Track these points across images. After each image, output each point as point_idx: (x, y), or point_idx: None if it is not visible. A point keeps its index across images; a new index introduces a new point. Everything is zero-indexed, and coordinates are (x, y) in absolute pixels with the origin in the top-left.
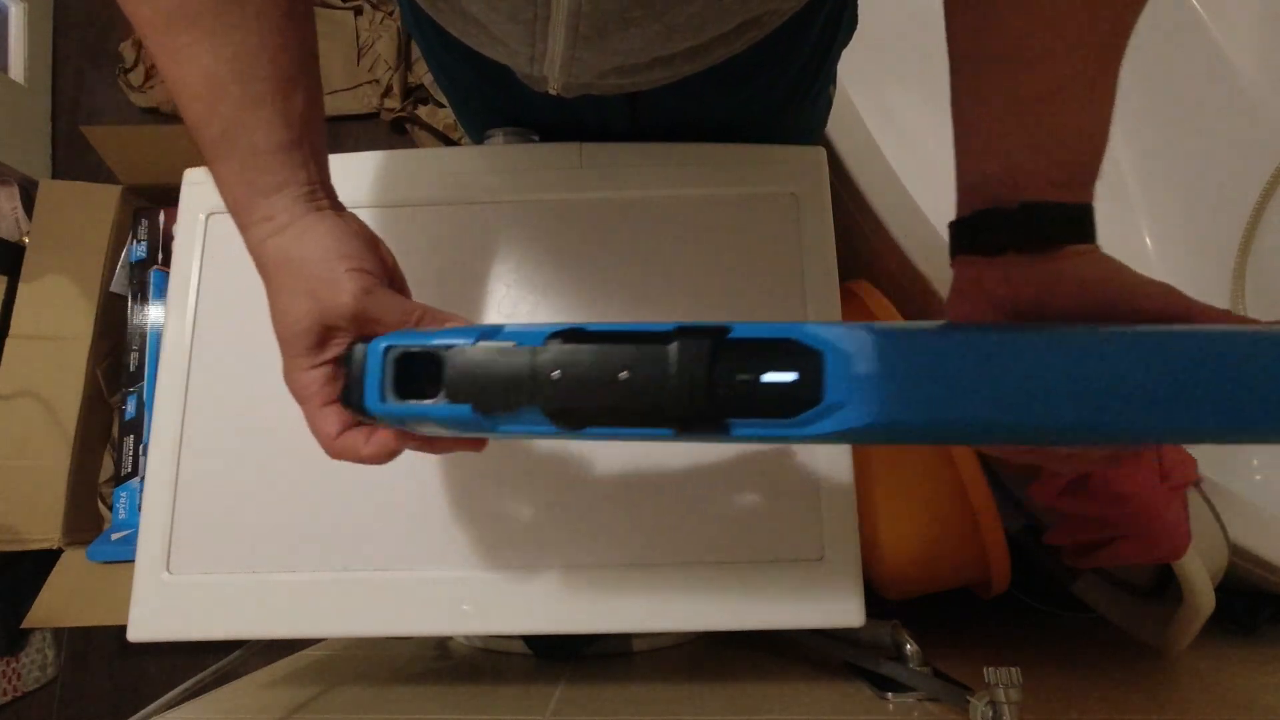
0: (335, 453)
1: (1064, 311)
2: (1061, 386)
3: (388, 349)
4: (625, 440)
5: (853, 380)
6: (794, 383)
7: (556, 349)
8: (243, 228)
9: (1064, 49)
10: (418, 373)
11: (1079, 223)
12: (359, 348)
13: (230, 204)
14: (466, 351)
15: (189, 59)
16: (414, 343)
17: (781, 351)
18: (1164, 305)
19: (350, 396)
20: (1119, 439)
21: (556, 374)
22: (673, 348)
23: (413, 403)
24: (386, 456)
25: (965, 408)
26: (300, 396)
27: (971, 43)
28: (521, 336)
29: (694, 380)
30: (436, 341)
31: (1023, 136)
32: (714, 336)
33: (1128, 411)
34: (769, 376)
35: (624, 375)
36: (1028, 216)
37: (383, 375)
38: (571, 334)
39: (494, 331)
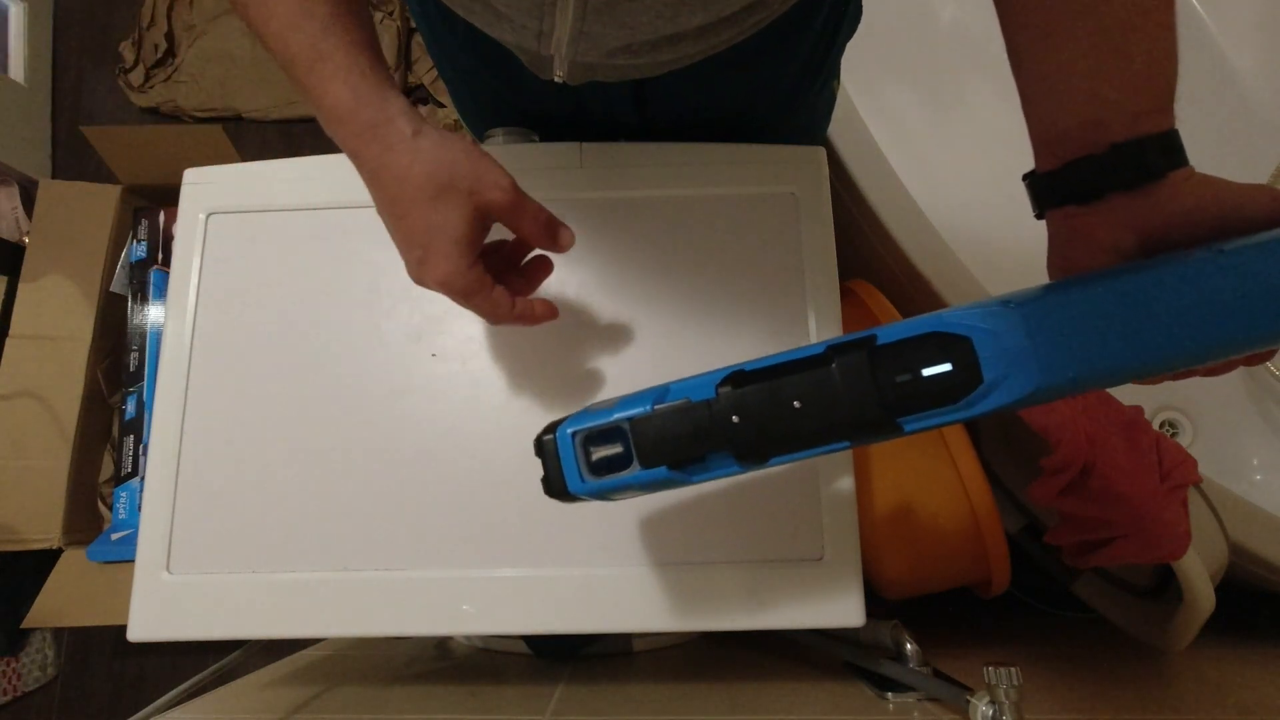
0: (519, 317)
1: (1176, 240)
2: (1198, 312)
3: (574, 434)
4: (805, 460)
5: (1005, 355)
6: (951, 371)
7: (729, 395)
8: (357, 140)
9: None
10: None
11: (1174, 149)
12: (548, 439)
13: (337, 113)
14: (648, 419)
15: None
16: (598, 422)
17: (932, 345)
18: (1272, 209)
19: (552, 485)
20: (1261, 344)
21: (736, 418)
22: (833, 368)
23: (613, 476)
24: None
25: (1113, 354)
26: (468, 291)
27: None
28: (691, 390)
29: (861, 393)
30: (617, 416)
31: (1111, 71)
32: (867, 348)
33: (1267, 316)
34: (928, 371)
35: (797, 404)
36: (1126, 156)
37: (577, 458)
38: (736, 377)
39: (663, 393)
